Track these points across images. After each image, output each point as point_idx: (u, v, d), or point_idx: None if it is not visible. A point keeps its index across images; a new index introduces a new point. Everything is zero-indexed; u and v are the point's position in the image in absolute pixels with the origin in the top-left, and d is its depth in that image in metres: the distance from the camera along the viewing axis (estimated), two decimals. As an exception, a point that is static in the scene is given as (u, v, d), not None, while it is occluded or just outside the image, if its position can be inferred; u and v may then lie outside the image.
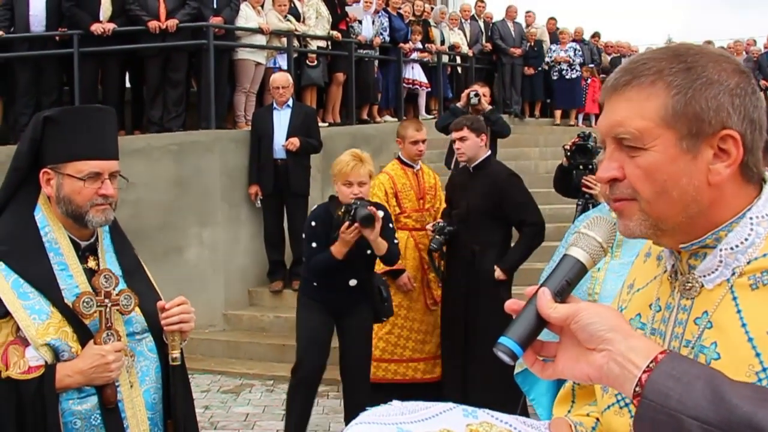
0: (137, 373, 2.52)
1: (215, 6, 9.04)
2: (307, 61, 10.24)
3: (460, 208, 5.82)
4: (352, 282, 5.00)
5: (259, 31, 9.38)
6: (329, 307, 5.07)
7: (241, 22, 9.29)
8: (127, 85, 9.61)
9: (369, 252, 4.95)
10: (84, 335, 2.38)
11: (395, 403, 1.47)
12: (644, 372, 1.16)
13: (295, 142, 7.87)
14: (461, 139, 5.68)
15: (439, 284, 6.10)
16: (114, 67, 9.00)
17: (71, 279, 2.42)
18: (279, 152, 7.99)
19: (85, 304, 2.36)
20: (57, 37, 8.75)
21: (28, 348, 2.30)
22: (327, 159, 7.36)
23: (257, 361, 7.60)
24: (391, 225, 5.18)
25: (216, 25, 8.80)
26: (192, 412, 2.78)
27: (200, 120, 8.78)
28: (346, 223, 4.69)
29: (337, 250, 4.77)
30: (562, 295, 1.30)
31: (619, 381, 1.20)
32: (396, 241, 5.19)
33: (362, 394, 5.15)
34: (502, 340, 1.27)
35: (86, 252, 2.51)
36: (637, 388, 1.16)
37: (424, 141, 6.23)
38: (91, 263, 2.50)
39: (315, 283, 5.09)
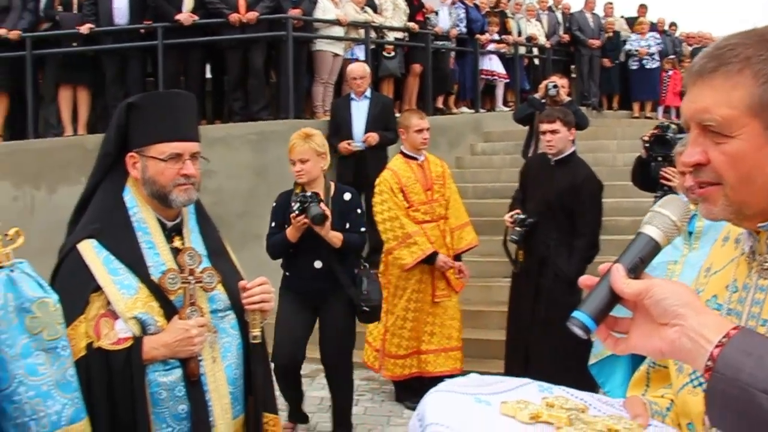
0: (219, 349, 2.61)
1: (294, -2, 9.19)
2: (384, 53, 10.31)
3: (536, 202, 5.78)
4: (317, 264, 5.04)
5: (337, 22, 9.47)
6: (306, 298, 5.16)
7: (318, 13, 9.41)
8: (208, 75, 9.83)
9: None
10: (169, 310, 2.49)
11: (472, 375, 1.51)
12: (716, 347, 1.17)
13: (374, 136, 7.94)
14: (553, 131, 5.63)
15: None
16: (196, 59, 9.25)
17: (158, 257, 2.53)
18: (357, 143, 8.08)
19: (170, 280, 2.46)
20: (141, 30, 9.03)
21: (117, 321, 2.42)
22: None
23: (333, 348, 7.68)
24: (359, 210, 5.24)
25: (295, 17, 8.94)
26: (271, 389, 2.87)
27: (279, 110, 8.94)
28: (296, 214, 4.85)
29: (290, 233, 4.98)
30: (635, 271, 1.31)
31: (691, 355, 1.21)
32: (363, 228, 5.21)
33: (341, 385, 5.41)
34: (576, 314, 1.29)
35: (172, 232, 2.62)
36: (709, 363, 1.17)
37: (428, 129, 6.15)
38: (177, 243, 2.61)
39: (287, 273, 5.23)
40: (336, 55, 9.63)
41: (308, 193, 4.88)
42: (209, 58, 9.53)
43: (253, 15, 8.70)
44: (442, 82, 11.47)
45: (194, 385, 2.51)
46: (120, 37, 9.03)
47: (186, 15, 8.75)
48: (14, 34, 8.87)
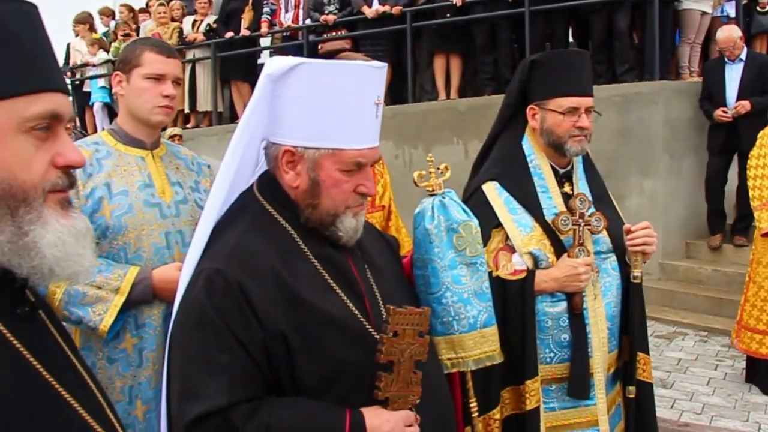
0: (600, 288, 2.86)
1: (663, -44, 8.97)
2: (758, 7, 9.70)
3: None
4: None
5: (706, -21, 9.09)
6: None
7: (686, -29, 9.10)
8: (571, 39, 9.94)
9: None
10: (559, 249, 2.79)
11: None
12: None
13: (746, 105, 7.59)
14: None
15: None
16: (560, 24, 9.40)
17: (550, 200, 2.84)
18: (730, 110, 7.75)
19: (563, 221, 2.76)
20: (510, -1, 9.41)
21: (514, 254, 2.77)
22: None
23: (691, 312, 7.63)
24: None
25: (662, -23, 8.75)
26: (644, 329, 3.05)
27: (644, 72, 8.85)
28: None
29: None
30: None
31: None
32: None
33: None
34: None
35: (563, 178, 2.91)
36: None
37: None
38: (566, 188, 2.89)
39: None
40: (704, 13, 9.25)
41: None
42: (573, 22, 9.64)
43: (619, -23, 8.65)
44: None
45: (577, 317, 2.79)
46: (489, 7, 9.46)
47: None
48: (396, 10, 9.78)
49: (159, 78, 2.77)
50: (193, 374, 1.85)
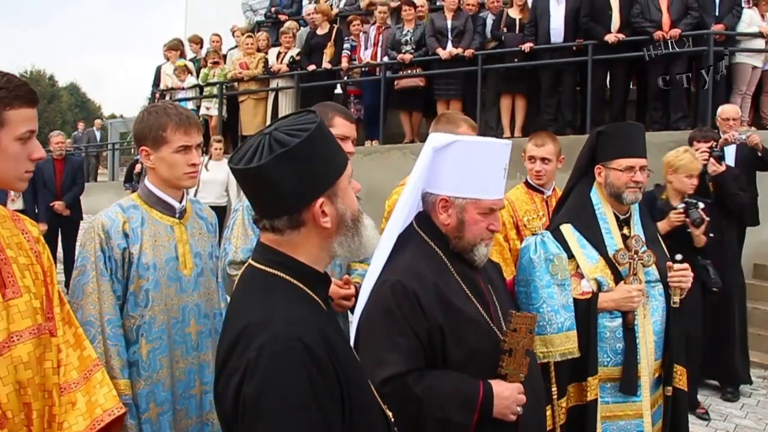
0: (649, 309, 3.66)
1: (717, 13, 9.64)
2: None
3: None
4: (678, 257, 5.19)
5: (759, 35, 9.68)
6: None
7: (742, 27, 9.72)
8: (631, 86, 10.66)
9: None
10: (617, 277, 3.61)
11: None
12: None
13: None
14: None
15: None
16: (620, 72, 10.16)
17: (612, 239, 3.67)
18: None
19: (621, 255, 3.59)
20: (574, 47, 10.16)
21: (582, 280, 3.59)
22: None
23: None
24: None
25: (716, 32, 9.42)
26: (681, 344, 3.80)
27: (696, 120, 9.54)
28: (680, 213, 5.75)
29: (662, 226, 5.73)
30: None
31: None
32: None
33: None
34: None
35: (622, 223, 3.74)
36: None
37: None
38: (625, 231, 3.72)
39: None
40: (755, 67, 9.83)
41: (692, 200, 5.81)
42: (632, 70, 10.32)
43: (675, 32, 9.36)
44: None
45: (629, 331, 3.60)
46: (555, 54, 10.25)
47: (613, 35, 9.73)
48: (468, 53, 10.68)
49: (343, 139, 3.42)
50: (380, 349, 2.65)
